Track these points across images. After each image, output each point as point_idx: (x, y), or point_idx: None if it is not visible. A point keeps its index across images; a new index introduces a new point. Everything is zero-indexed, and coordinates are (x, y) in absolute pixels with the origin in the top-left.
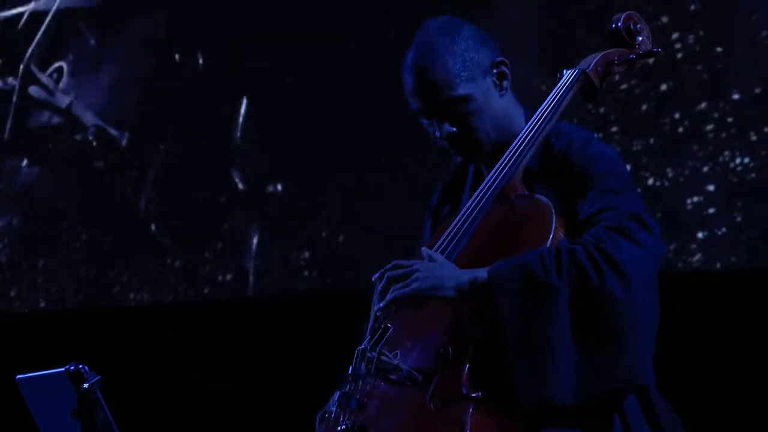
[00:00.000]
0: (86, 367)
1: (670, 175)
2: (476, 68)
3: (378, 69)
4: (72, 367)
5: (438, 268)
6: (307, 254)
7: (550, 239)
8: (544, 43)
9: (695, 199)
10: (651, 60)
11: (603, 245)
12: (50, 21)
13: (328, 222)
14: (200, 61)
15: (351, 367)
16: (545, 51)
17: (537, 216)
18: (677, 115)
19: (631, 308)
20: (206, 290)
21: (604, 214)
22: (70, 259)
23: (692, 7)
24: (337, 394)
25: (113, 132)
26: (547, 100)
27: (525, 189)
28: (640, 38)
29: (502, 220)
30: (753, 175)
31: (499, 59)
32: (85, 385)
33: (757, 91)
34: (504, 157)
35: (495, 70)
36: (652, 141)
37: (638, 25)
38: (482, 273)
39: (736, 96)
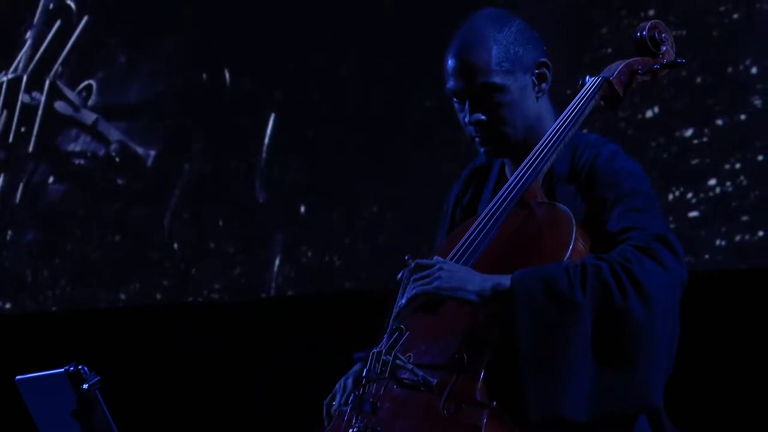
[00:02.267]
0: (85, 368)
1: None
2: (518, 63)
3: (401, 86)
4: (71, 368)
5: (461, 269)
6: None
7: (570, 249)
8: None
9: (679, 225)
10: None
11: (629, 265)
12: (78, 37)
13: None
14: (227, 78)
15: (365, 370)
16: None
17: (557, 225)
18: (662, 140)
19: (651, 331)
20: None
21: (631, 233)
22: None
23: (676, 33)
24: (351, 397)
25: (139, 150)
26: (568, 108)
27: (544, 196)
28: (664, 47)
29: (520, 226)
30: (736, 202)
31: (542, 60)
32: (85, 386)
33: (742, 117)
34: (524, 163)
35: (536, 71)
36: None
37: (663, 35)
38: (505, 280)
39: (719, 122)
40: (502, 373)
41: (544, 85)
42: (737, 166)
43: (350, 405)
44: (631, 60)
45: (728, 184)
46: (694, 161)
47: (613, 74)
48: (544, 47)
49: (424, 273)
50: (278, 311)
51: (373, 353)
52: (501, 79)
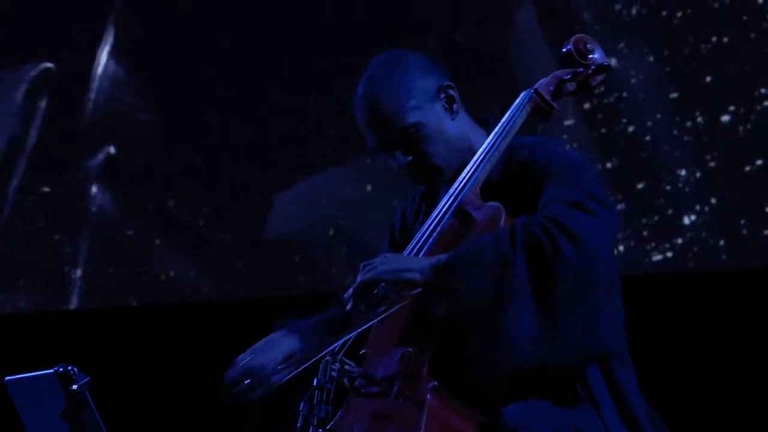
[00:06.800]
0: (75, 369)
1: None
2: (423, 96)
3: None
4: (61, 369)
5: (402, 257)
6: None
7: None
8: None
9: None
10: (602, 77)
11: (556, 216)
12: None
13: None
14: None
15: (315, 379)
16: None
17: (491, 221)
18: (620, 196)
19: (586, 274)
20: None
21: (560, 195)
22: None
23: (634, 81)
24: (302, 405)
25: None
26: (502, 120)
27: (482, 202)
28: (592, 56)
29: (458, 232)
30: (695, 258)
31: (445, 83)
32: (74, 387)
33: (697, 175)
34: (460, 177)
35: (443, 95)
36: None
37: (588, 45)
38: (442, 257)
39: (682, 172)
40: (448, 354)
41: (455, 105)
42: (693, 218)
43: (302, 413)
44: (558, 71)
45: (679, 241)
46: (653, 215)
47: (541, 85)
48: (441, 69)
49: (368, 264)
50: (272, 311)
51: (323, 362)
52: (414, 117)
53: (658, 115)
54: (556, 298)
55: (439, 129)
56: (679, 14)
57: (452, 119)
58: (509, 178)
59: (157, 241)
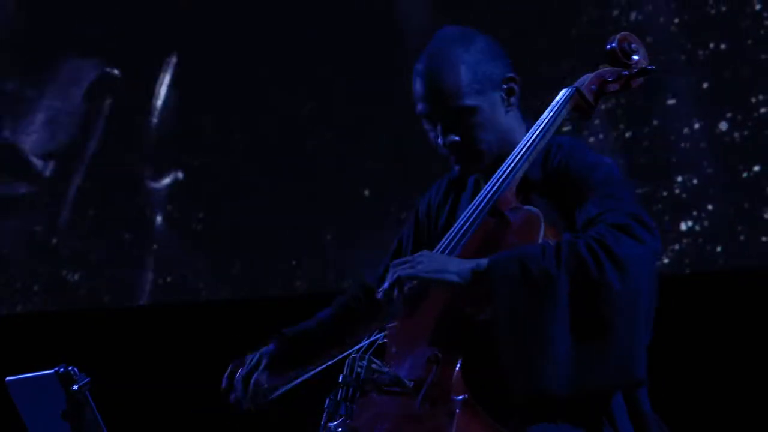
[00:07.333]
0: (75, 369)
1: None
2: (487, 81)
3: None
4: (61, 369)
5: (441, 256)
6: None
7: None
8: None
9: None
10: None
11: (604, 239)
12: None
13: None
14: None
15: (341, 375)
16: None
17: (526, 226)
18: None
19: (629, 302)
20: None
21: (605, 215)
22: None
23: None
24: (327, 401)
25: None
26: (542, 117)
27: (517, 202)
28: (636, 57)
29: (492, 232)
30: (687, 269)
31: (509, 75)
32: (75, 387)
33: (695, 181)
34: (498, 172)
35: (504, 86)
36: None
37: (632, 45)
38: (483, 261)
39: (679, 179)
40: (478, 366)
41: (513, 99)
42: (690, 224)
43: (326, 409)
44: (601, 70)
45: (676, 247)
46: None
47: (583, 83)
48: (510, 60)
49: (406, 259)
50: (270, 312)
51: (350, 359)
52: (472, 100)
53: (655, 122)
54: (597, 326)
55: (492, 118)
56: (677, 20)
57: (506, 112)
58: (545, 179)
59: (155, 245)
